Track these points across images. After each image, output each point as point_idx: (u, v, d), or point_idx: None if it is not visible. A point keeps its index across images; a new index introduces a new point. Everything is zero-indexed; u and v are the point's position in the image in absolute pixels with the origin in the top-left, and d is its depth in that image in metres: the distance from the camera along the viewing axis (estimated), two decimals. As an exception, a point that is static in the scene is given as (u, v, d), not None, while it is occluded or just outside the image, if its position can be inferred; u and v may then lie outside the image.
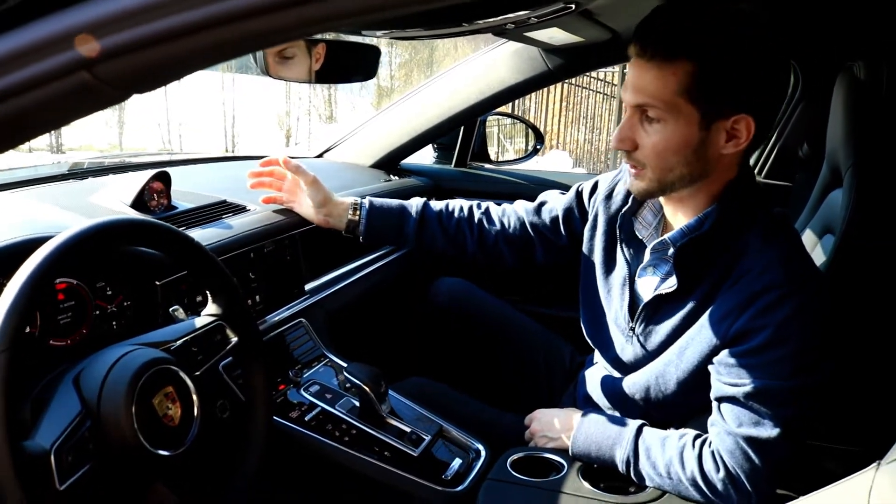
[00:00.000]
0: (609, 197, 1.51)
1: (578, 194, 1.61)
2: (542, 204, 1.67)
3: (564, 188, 1.69)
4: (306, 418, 1.41)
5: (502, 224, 1.68)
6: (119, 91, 0.51)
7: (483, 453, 1.46)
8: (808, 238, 1.84)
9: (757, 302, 1.19)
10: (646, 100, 1.19)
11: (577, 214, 1.61)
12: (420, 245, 1.70)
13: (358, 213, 1.67)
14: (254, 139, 10.05)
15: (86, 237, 0.96)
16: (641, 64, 1.18)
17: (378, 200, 1.70)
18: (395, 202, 1.71)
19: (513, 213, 1.69)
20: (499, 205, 1.72)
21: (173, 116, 9.73)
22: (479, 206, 1.72)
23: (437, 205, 1.72)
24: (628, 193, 1.47)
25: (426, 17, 1.06)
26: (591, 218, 1.54)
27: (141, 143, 9.21)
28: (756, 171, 2.57)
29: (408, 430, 1.45)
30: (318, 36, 1.35)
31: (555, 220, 1.63)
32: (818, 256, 1.72)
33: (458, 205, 1.71)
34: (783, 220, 1.31)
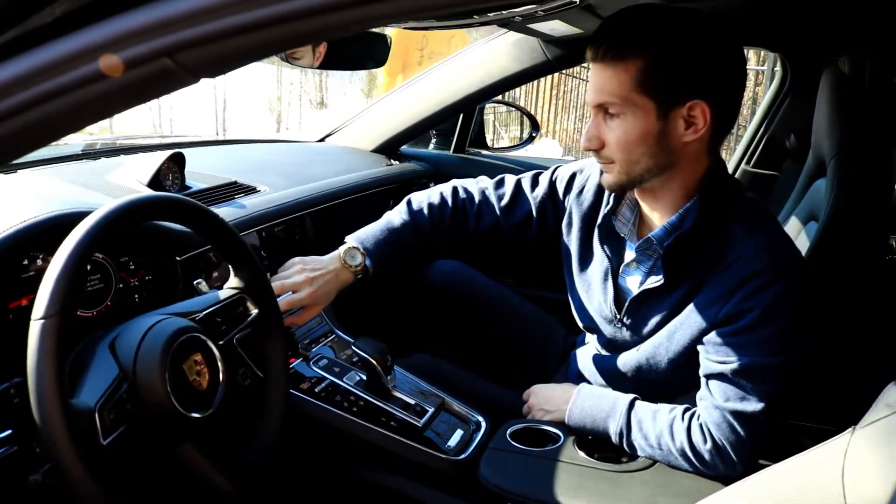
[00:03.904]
0: (580, 193, 1.56)
1: (552, 186, 1.62)
2: (515, 194, 1.65)
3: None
4: (316, 390, 1.47)
5: (477, 223, 1.65)
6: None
7: (483, 425, 1.53)
8: (793, 224, 1.90)
9: (745, 287, 1.26)
10: (604, 98, 1.26)
11: (550, 209, 1.62)
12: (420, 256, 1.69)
13: (361, 264, 1.54)
14: (244, 124, 10.02)
15: (128, 210, 1.02)
16: (597, 66, 1.26)
17: (364, 239, 1.58)
18: (379, 228, 1.61)
19: (486, 210, 1.65)
20: (470, 197, 1.66)
21: (164, 100, 9.67)
22: (455, 206, 1.65)
23: (412, 213, 1.63)
24: (600, 190, 1.52)
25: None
26: (566, 215, 1.58)
27: (131, 127, 9.16)
28: (745, 160, 2.64)
29: (412, 402, 1.51)
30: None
31: (528, 213, 1.64)
32: (802, 242, 1.78)
33: (431, 208, 1.64)
34: (761, 207, 1.37)
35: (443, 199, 1.65)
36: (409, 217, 1.62)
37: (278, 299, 1.37)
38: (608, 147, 1.30)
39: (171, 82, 0.58)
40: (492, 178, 1.70)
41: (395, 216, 1.63)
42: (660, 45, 1.21)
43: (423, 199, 1.66)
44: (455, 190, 1.67)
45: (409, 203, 1.65)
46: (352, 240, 1.58)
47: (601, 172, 1.49)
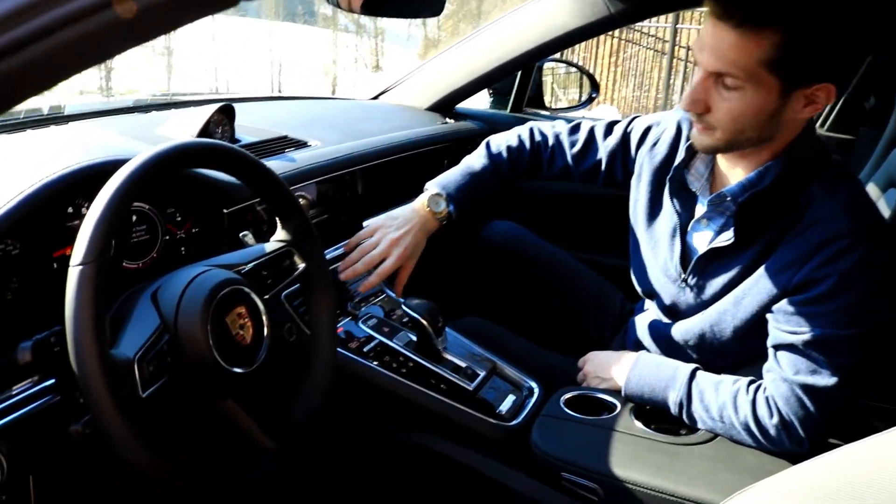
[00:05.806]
0: (654, 146, 1.50)
1: (626, 137, 1.59)
2: (588, 142, 1.65)
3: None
4: (365, 349, 1.44)
5: (550, 167, 1.70)
6: None
7: (536, 391, 1.48)
8: (870, 192, 1.80)
9: (822, 251, 1.18)
10: (725, 68, 1.15)
11: (620, 161, 1.60)
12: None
13: (445, 210, 1.58)
14: (300, 87, 10.07)
15: (167, 157, 0.98)
16: (723, 27, 1.13)
17: (446, 185, 1.61)
18: (461, 173, 1.64)
19: (559, 154, 1.68)
20: (545, 140, 1.70)
21: (221, 63, 9.77)
22: (532, 149, 1.69)
23: (492, 157, 1.68)
24: (674, 143, 1.46)
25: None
26: (637, 168, 1.54)
27: (188, 90, 9.28)
28: (819, 123, 2.52)
29: (463, 365, 1.48)
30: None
31: (597, 163, 1.63)
32: (881, 211, 1.68)
33: (510, 151, 1.68)
34: (844, 169, 1.28)
35: (521, 141, 1.70)
36: (489, 161, 1.67)
37: (371, 276, 1.48)
38: (714, 113, 1.20)
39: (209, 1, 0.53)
40: None
41: (475, 160, 1.67)
42: (802, 22, 1.09)
43: (501, 142, 1.70)
44: (532, 132, 1.72)
45: (488, 146, 1.71)
46: (434, 186, 1.61)
47: (678, 128, 1.43)
